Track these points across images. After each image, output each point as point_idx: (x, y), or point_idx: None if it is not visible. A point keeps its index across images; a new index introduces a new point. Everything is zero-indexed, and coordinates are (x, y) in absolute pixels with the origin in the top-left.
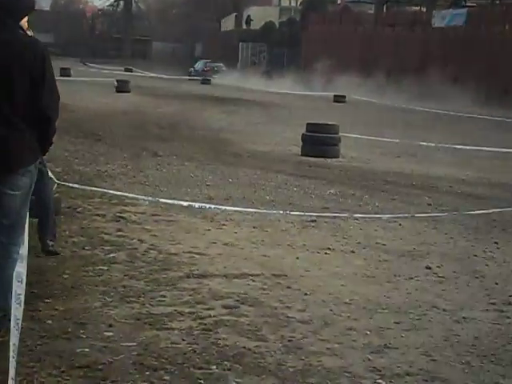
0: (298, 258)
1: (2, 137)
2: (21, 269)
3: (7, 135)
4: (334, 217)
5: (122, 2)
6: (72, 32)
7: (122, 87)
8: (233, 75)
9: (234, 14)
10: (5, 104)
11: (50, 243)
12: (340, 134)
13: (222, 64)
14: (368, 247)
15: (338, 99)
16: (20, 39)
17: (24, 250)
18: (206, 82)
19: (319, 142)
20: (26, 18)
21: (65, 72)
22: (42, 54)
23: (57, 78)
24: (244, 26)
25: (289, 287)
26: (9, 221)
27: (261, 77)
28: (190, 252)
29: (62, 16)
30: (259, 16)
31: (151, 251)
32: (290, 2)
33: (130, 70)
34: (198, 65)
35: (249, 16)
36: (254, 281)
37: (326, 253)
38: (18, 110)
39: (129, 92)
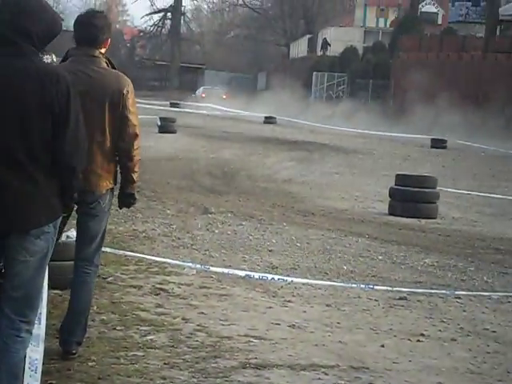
0: (383, 346)
1: (13, 189)
2: (35, 354)
3: (19, 187)
4: (430, 294)
5: (168, 22)
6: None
7: (166, 127)
8: (306, 113)
9: (307, 36)
10: (18, 147)
11: (76, 349)
12: (438, 188)
13: (218, 87)
14: (473, 334)
15: (437, 144)
16: (40, 68)
17: (40, 330)
18: (270, 121)
19: (411, 198)
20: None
21: None
22: (66, 87)
23: None
24: (319, 52)
25: (371, 383)
26: (19, 292)
27: (338, 114)
28: (246, 335)
29: None
30: (338, 39)
31: (198, 333)
32: (377, 23)
33: (177, 105)
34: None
35: (325, 39)
36: (326, 374)
37: (418, 340)
38: (34, 156)
39: (174, 133)
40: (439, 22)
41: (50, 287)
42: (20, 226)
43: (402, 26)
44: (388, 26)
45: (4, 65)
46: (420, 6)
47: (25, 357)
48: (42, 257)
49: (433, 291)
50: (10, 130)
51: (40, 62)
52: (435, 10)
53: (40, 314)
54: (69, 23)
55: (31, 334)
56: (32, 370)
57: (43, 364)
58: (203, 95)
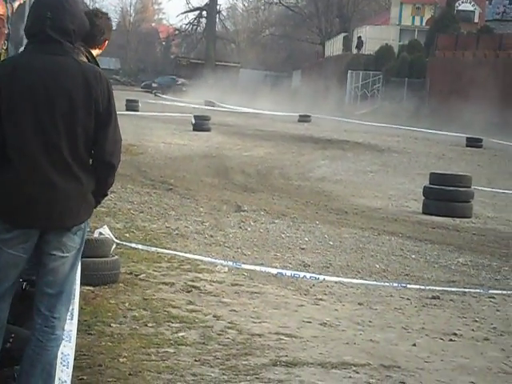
0: (414, 344)
1: (59, 187)
2: (67, 349)
3: (65, 185)
4: (463, 293)
5: (203, 21)
6: (142, 56)
7: (200, 125)
8: (341, 111)
9: (343, 34)
10: (64, 145)
11: None
12: (473, 187)
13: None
14: (506, 334)
15: (472, 143)
16: (83, 66)
17: (72, 325)
18: (304, 119)
19: (446, 197)
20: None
21: (131, 105)
22: (107, 86)
23: (123, 113)
24: (354, 50)
25: (402, 382)
26: (54, 289)
27: (372, 112)
28: (277, 333)
29: (131, 37)
30: (374, 38)
31: (229, 331)
32: (412, 21)
33: (212, 104)
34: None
35: (360, 38)
36: (357, 372)
37: (451, 339)
38: (78, 154)
39: (209, 131)
40: (476, 20)
41: (82, 283)
42: (64, 222)
43: (438, 24)
44: (424, 24)
45: (50, 63)
46: (456, 3)
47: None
48: (76, 253)
49: (466, 290)
50: (59, 128)
51: (81, 60)
52: (472, 8)
53: (72, 310)
54: None
55: (64, 330)
56: (64, 365)
57: (74, 359)
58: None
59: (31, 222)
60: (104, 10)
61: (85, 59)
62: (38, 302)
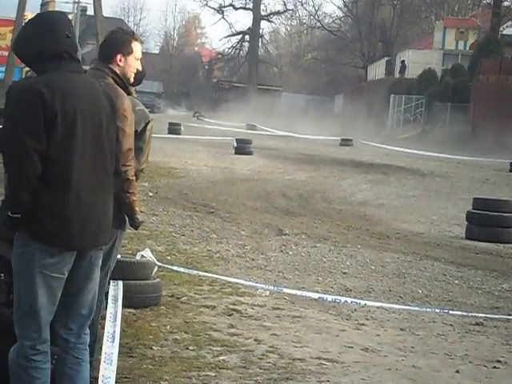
0: (457, 371)
1: (106, 207)
2: (108, 372)
3: (108, 204)
4: (507, 320)
5: (246, 45)
6: (185, 80)
7: (242, 148)
8: (383, 136)
9: (385, 58)
10: (109, 165)
11: None
12: None
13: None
14: None
15: None
16: (95, 81)
17: (113, 348)
18: (346, 143)
19: (490, 222)
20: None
21: (174, 128)
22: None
23: (165, 136)
24: (397, 75)
25: None
26: (87, 309)
27: (415, 137)
28: (318, 358)
29: (174, 61)
30: (416, 62)
31: (270, 355)
32: (456, 45)
33: (254, 127)
34: None
35: (403, 62)
36: None
37: (494, 367)
38: (108, 171)
39: (251, 154)
40: None
41: (124, 306)
42: (105, 240)
43: (482, 48)
44: (468, 48)
45: (82, 82)
46: (501, 28)
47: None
48: (102, 269)
49: (510, 317)
50: (105, 147)
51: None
52: None
53: (114, 332)
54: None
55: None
56: None
57: (116, 382)
58: None
59: (83, 243)
60: (147, 34)
61: (110, 80)
62: (70, 322)
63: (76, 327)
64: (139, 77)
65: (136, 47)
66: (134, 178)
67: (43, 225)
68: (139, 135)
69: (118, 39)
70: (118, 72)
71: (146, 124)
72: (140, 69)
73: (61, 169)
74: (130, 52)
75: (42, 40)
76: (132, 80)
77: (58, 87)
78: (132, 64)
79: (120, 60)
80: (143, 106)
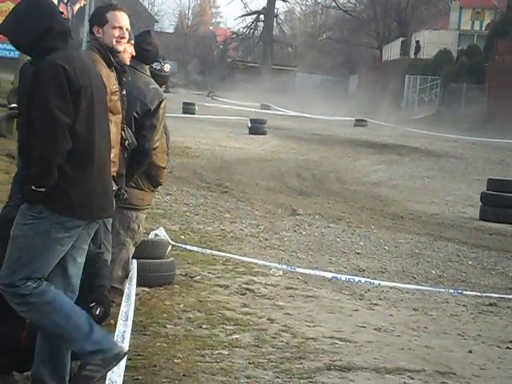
0: (470, 351)
1: (111, 179)
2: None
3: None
4: None
5: (261, 24)
6: (200, 59)
7: (256, 128)
8: (398, 116)
9: (401, 39)
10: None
11: None
12: None
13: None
14: None
15: None
16: None
17: (127, 326)
18: (361, 123)
19: (504, 203)
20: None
21: (188, 108)
22: None
23: (179, 115)
24: (412, 55)
25: None
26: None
27: (430, 117)
28: (331, 337)
29: (189, 40)
30: (432, 42)
31: (283, 334)
32: (472, 26)
33: (268, 107)
34: None
35: (418, 42)
36: (412, 378)
37: (508, 347)
38: None
39: (265, 134)
40: None
41: (138, 284)
42: (112, 211)
43: (498, 28)
44: (483, 28)
45: (85, 58)
46: None
47: None
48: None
49: None
50: (107, 120)
51: None
52: None
53: (127, 311)
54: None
55: None
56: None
57: (130, 359)
58: None
59: (101, 214)
60: (162, 14)
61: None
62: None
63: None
64: (151, 55)
65: (111, 16)
66: None
67: (68, 197)
68: (153, 113)
69: (94, 13)
70: (101, 43)
71: (160, 102)
72: (124, 36)
73: (84, 144)
74: (105, 22)
75: (47, 16)
76: (119, 48)
77: (76, 64)
78: (110, 33)
79: (98, 31)
80: (157, 84)
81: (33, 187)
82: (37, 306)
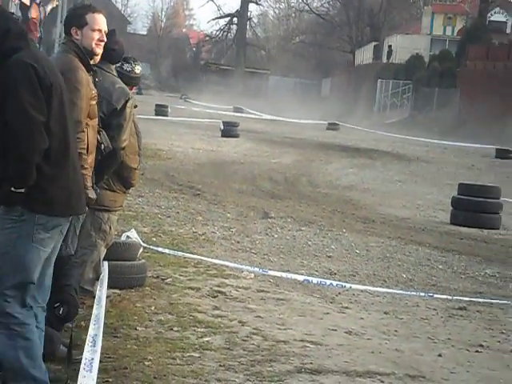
0: (440, 355)
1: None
2: (91, 354)
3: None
4: (490, 304)
5: (234, 27)
6: (173, 62)
7: (229, 131)
8: (370, 120)
9: (373, 43)
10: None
11: None
12: (502, 198)
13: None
14: None
15: (502, 154)
16: None
17: (99, 330)
18: (333, 127)
19: (474, 207)
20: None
21: (161, 110)
22: None
23: (152, 117)
24: (384, 59)
25: None
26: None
27: (402, 122)
28: (302, 340)
29: (162, 42)
30: (404, 47)
31: (254, 337)
32: (444, 31)
33: (241, 110)
34: None
35: (390, 46)
36: (382, 381)
37: (477, 351)
38: None
39: (237, 137)
40: (508, 30)
41: (109, 286)
42: (85, 207)
43: (470, 34)
44: (455, 34)
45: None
46: (489, 14)
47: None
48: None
49: (493, 302)
50: (72, 117)
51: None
52: (504, 19)
53: (98, 314)
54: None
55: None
56: (87, 371)
57: (100, 362)
58: None
59: (78, 210)
60: (135, 15)
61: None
62: (38, 295)
63: (42, 300)
64: (117, 54)
65: (91, 19)
66: (83, 150)
67: (46, 195)
68: (119, 112)
69: (71, 14)
70: (78, 45)
71: (126, 101)
72: (103, 39)
73: (59, 141)
74: (84, 24)
75: (2, 17)
76: (98, 51)
77: (44, 63)
78: (89, 35)
79: (76, 33)
80: (123, 84)
81: (12, 189)
82: (12, 335)
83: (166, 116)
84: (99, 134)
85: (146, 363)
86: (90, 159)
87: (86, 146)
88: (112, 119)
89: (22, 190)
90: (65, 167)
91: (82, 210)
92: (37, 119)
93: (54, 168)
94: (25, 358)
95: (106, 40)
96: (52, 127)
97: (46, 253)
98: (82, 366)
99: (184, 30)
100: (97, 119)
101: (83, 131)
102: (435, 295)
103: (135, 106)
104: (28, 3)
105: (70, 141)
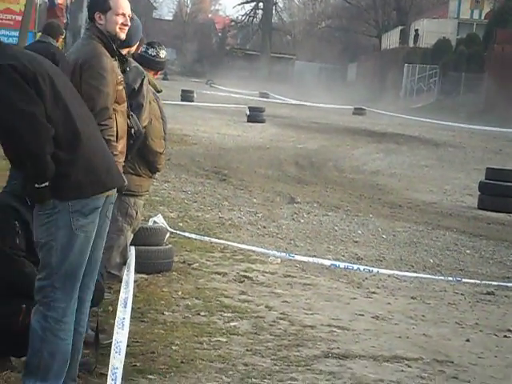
0: (468, 340)
1: (109, 152)
2: (120, 337)
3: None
4: None
5: (260, 12)
6: (198, 47)
7: (255, 116)
8: (396, 105)
9: (400, 27)
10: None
11: None
12: None
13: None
14: None
15: None
16: None
17: (126, 313)
18: (359, 112)
19: (502, 192)
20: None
21: (187, 96)
22: None
23: (178, 103)
24: (411, 44)
25: (455, 377)
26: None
27: (428, 106)
28: (329, 325)
29: (187, 28)
30: (431, 31)
31: (281, 322)
32: (471, 15)
33: (266, 95)
34: None
35: (417, 31)
36: (409, 366)
37: (505, 336)
38: None
39: (263, 122)
40: None
41: (137, 271)
42: (124, 180)
43: (498, 17)
44: (483, 17)
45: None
46: None
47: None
48: None
49: None
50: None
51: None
52: None
53: (126, 297)
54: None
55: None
56: (116, 352)
57: (128, 346)
58: None
59: (114, 183)
60: (160, 0)
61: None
62: (89, 280)
63: (92, 285)
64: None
65: (114, 3)
66: (112, 137)
67: (70, 180)
68: (137, 92)
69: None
70: (102, 30)
71: (142, 80)
72: (127, 23)
73: (65, 128)
74: (108, 9)
75: None
76: (122, 36)
77: (22, 57)
78: (113, 20)
79: (100, 18)
80: (138, 63)
81: (36, 185)
82: (45, 327)
83: (192, 101)
84: (129, 119)
85: (174, 348)
86: (121, 145)
87: (114, 133)
88: (131, 100)
89: (47, 184)
90: (80, 148)
91: (116, 183)
92: (34, 112)
93: (69, 153)
94: (47, 354)
95: (130, 24)
96: (51, 115)
97: (89, 238)
98: (112, 348)
99: (210, 16)
100: (125, 104)
101: (110, 118)
102: (463, 280)
103: (160, 91)
104: None
105: (79, 127)
